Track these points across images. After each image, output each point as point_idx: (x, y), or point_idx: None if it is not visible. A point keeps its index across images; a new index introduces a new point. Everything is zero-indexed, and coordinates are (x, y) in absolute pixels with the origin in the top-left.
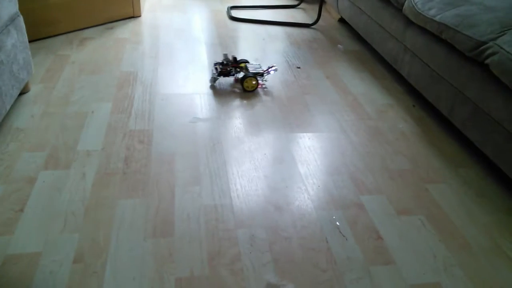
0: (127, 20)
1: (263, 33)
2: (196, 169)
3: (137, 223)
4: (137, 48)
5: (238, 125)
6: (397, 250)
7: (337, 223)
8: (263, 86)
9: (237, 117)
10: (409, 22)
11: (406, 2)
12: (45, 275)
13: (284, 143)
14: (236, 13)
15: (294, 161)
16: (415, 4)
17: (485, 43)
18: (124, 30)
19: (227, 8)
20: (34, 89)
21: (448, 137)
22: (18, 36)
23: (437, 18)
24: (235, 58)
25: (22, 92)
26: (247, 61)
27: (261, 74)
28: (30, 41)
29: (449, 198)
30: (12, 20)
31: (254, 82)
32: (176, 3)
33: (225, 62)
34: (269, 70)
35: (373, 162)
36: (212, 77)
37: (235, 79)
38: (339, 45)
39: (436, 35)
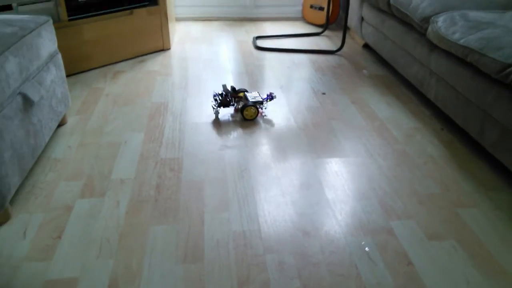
0: (158, 53)
1: (288, 61)
2: (224, 195)
3: (169, 249)
4: (167, 79)
5: (265, 151)
6: (428, 276)
7: (367, 248)
8: (263, 114)
9: (264, 144)
10: (433, 46)
11: (430, 26)
12: None
13: (311, 168)
14: (261, 43)
15: (321, 186)
16: (439, 28)
17: (511, 65)
18: (154, 63)
19: (253, 38)
20: (70, 121)
21: (479, 160)
22: (56, 72)
23: (461, 42)
24: (233, 88)
25: (60, 124)
26: (245, 90)
27: (261, 103)
28: (67, 76)
29: (481, 222)
30: (51, 57)
31: (253, 111)
32: (204, 35)
33: (224, 93)
34: (267, 98)
35: (401, 186)
36: (215, 110)
37: (235, 109)
38: (364, 70)
39: (461, 58)
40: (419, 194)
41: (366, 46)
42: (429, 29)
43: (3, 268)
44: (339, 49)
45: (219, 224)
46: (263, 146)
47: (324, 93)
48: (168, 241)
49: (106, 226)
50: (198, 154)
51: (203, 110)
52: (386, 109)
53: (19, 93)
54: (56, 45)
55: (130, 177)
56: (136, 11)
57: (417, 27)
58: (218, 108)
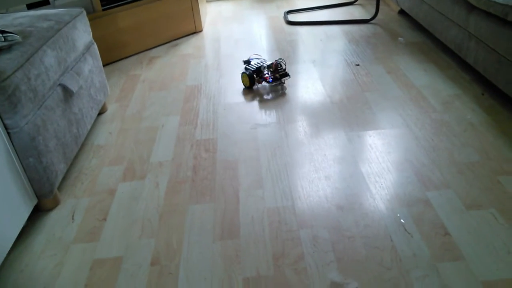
0: (190, 35)
1: (320, 34)
2: (258, 173)
3: (206, 226)
4: (200, 62)
5: (297, 128)
6: (466, 246)
7: (402, 220)
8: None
9: (296, 120)
10: (471, 7)
11: None
12: (127, 277)
13: (344, 143)
14: (292, 17)
15: (355, 160)
16: None
17: None
18: (187, 46)
19: (284, 13)
20: (110, 108)
21: None
22: (93, 62)
23: (501, 0)
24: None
25: (101, 112)
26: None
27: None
28: (104, 65)
29: None
30: (87, 48)
31: None
32: (235, 14)
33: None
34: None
35: (439, 156)
36: (273, 83)
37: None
38: (399, 38)
39: (501, 18)
40: (458, 163)
41: (402, 12)
42: None
43: (55, 250)
44: (373, 17)
45: (253, 202)
46: (295, 123)
47: (358, 65)
48: (205, 219)
49: (147, 207)
50: (232, 134)
51: (236, 89)
52: (424, 77)
53: (59, 84)
54: (91, 35)
55: (168, 159)
56: None
57: None
58: (279, 80)
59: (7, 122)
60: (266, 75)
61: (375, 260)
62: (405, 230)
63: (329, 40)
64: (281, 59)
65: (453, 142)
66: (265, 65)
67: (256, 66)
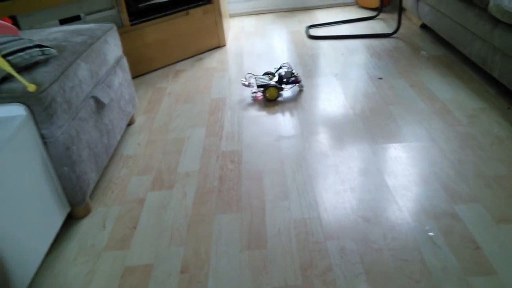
0: (214, 50)
1: (342, 48)
2: (284, 184)
3: (233, 236)
4: (224, 75)
5: (321, 140)
6: (498, 260)
7: (431, 233)
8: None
9: (320, 132)
10: (496, 21)
11: (491, 1)
12: (157, 284)
13: (369, 155)
14: (314, 32)
15: (380, 172)
16: (501, 1)
17: None
18: (211, 60)
19: (306, 28)
20: (138, 120)
21: None
22: (123, 75)
23: None
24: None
25: (129, 124)
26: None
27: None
28: (132, 78)
29: None
30: (117, 62)
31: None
32: (257, 29)
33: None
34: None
35: (466, 169)
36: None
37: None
38: (422, 52)
39: None
40: (485, 176)
41: (423, 26)
42: (491, 3)
43: (88, 257)
44: (395, 32)
45: (280, 213)
46: (319, 135)
47: (380, 78)
48: (232, 229)
49: (175, 216)
50: (256, 145)
51: (259, 102)
52: (447, 91)
53: (91, 96)
54: (121, 50)
55: (195, 169)
56: (191, 11)
57: (477, 2)
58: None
59: (44, 132)
60: (293, 78)
61: (404, 273)
62: (434, 243)
63: (351, 54)
64: (285, 63)
65: (480, 156)
66: (290, 71)
67: (269, 78)
